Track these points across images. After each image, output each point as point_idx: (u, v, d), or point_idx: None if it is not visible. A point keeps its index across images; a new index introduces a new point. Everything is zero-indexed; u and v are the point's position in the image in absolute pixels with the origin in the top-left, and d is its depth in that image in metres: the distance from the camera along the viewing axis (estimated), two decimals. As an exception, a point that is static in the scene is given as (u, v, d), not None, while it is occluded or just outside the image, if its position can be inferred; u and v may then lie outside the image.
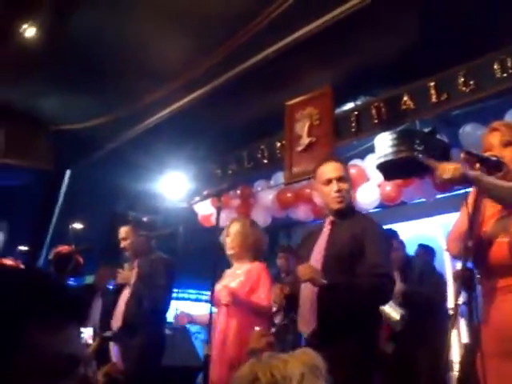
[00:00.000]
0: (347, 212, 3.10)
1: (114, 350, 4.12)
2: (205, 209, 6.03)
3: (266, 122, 5.45)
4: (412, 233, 6.50)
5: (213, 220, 5.74)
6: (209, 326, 3.36)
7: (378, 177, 5.10)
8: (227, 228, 3.84)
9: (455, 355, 5.34)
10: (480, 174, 2.22)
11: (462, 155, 2.31)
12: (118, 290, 4.32)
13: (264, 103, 5.44)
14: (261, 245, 3.83)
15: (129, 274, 4.22)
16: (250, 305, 3.55)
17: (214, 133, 5.74)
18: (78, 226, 6.41)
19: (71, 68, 4.94)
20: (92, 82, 5.13)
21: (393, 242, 4.74)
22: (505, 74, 4.27)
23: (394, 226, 5.43)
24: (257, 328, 3.17)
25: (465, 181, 2.24)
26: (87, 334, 4.37)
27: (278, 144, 5.69)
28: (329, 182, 3.10)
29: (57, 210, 5.87)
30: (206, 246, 3.94)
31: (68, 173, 6.11)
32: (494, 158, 2.28)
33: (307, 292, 2.97)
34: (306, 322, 2.96)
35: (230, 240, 3.76)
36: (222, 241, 3.80)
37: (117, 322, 4.14)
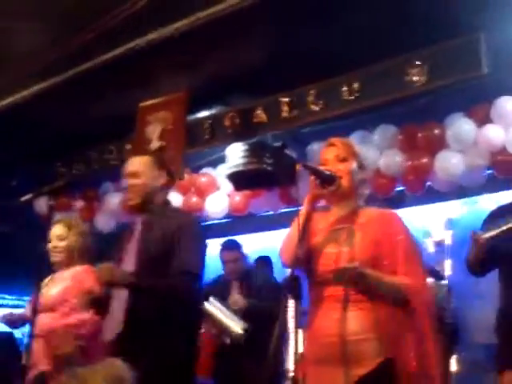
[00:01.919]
0: (149, 208, 2.95)
1: None
2: (43, 207, 5.59)
3: (118, 122, 5.24)
4: (261, 245, 6.58)
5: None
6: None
7: (228, 187, 5.13)
8: (50, 232, 3.37)
9: (291, 364, 5.46)
10: None
11: (299, 167, 2.37)
12: None
13: (118, 103, 5.23)
14: (87, 246, 3.44)
15: None
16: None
17: (61, 128, 5.42)
18: None
19: None
20: None
21: (235, 252, 4.77)
22: (351, 97, 4.47)
23: (243, 238, 5.46)
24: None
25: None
26: None
27: (129, 146, 5.50)
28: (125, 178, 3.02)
29: None
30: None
31: None
32: (327, 172, 2.34)
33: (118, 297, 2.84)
34: (114, 326, 2.81)
35: (53, 245, 3.35)
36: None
37: None
